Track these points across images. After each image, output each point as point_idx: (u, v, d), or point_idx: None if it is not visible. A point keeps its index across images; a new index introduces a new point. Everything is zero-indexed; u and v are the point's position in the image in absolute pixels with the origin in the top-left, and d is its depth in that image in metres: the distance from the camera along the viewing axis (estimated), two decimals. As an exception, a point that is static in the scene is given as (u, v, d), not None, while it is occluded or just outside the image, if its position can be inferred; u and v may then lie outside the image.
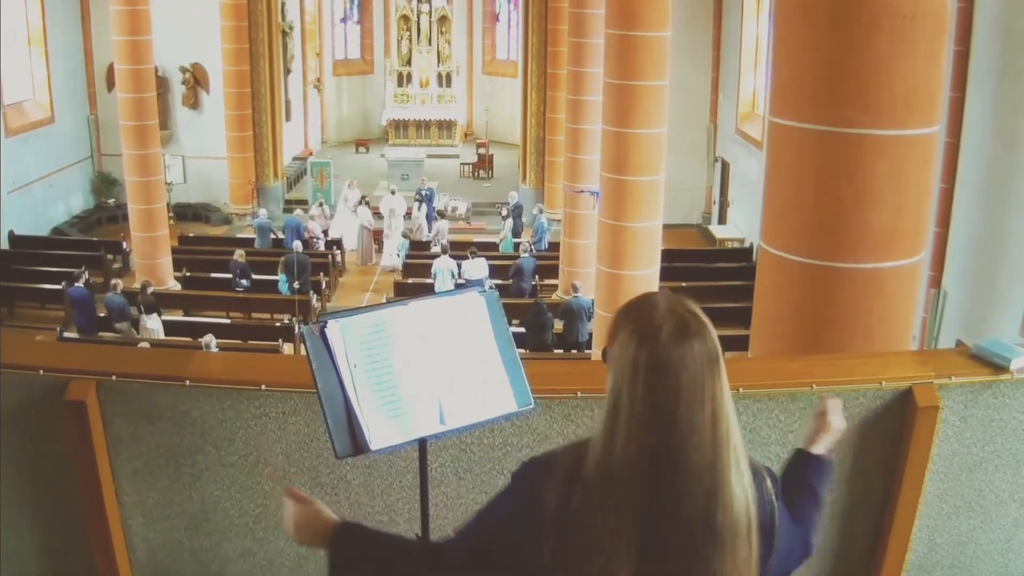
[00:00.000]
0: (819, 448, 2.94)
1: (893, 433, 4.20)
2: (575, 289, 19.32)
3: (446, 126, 38.20)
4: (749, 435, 4.09)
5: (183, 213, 30.23)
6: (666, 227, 17.15)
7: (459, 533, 2.62)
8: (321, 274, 23.17)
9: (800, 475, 2.89)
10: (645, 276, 15.74)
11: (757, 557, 2.32)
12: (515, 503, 2.45)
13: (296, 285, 20.77)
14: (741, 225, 27.50)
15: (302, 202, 30.14)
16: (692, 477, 2.20)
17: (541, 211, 27.10)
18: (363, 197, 27.49)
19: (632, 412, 2.22)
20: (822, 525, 4.20)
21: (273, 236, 26.00)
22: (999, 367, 4.20)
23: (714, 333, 2.29)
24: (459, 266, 22.02)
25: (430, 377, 2.93)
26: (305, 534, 2.73)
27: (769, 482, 2.50)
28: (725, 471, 2.23)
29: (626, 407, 2.23)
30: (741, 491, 2.27)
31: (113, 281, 20.14)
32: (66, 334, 18.80)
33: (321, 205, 28.16)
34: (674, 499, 2.21)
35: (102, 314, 19.64)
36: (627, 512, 2.21)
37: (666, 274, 18.06)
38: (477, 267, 21.86)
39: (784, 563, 2.60)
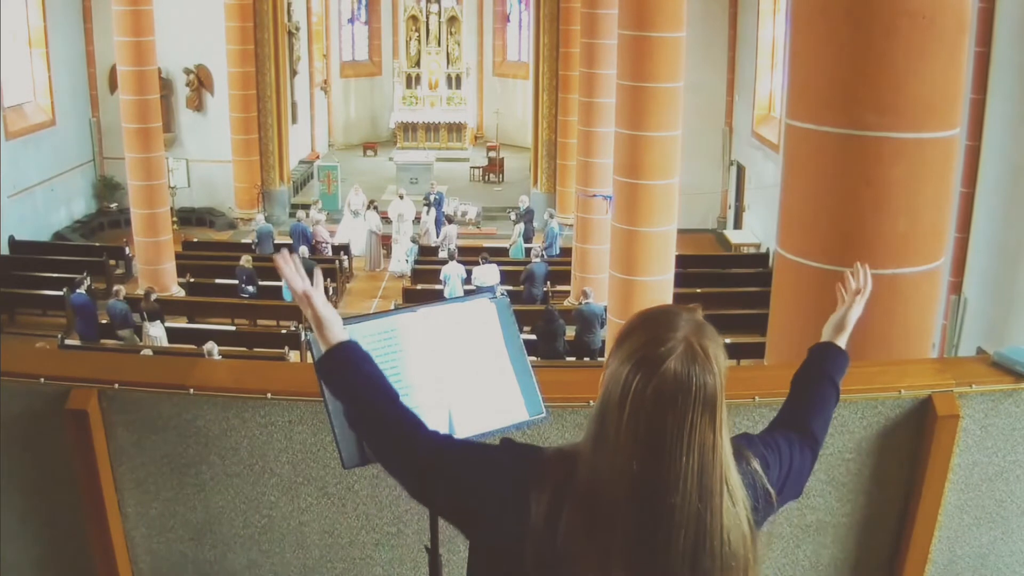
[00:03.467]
0: (844, 337, 3.12)
1: (912, 443, 4.15)
2: (586, 296, 19.28)
3: (456, 129, 38.14)
4: (766, 444, 4.03)
5: (187, 218, 30.20)
6: (680, 232, 17.09)
7: (439, 440, 2.53)
8: (328, 280, 22.93)
9: (824, 367, 3.01)
10: (659, 282, 15.68)
11: None
12: (499, 479, 2.37)
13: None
14: (757, 230, 27.40)
15: (308, 207, 30.01)
16: (676, 521, 2.13)
17: (552, 216, 27.06)
18: (372, 202, 27.44)
19: (617, 437, 2.15)
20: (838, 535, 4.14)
21: (275, 243, 25.95)
22: (1020, 375, 4.16)
23: (720, 377, 2.16)
24: (469, 272, 21.96)
25: (440, 385, 2.92)
26: (314, 323, 2.67)
27: (756, 463, 2.46)
28: (715, 520, 2.16)
29: (613, 429, 2.16)
30: (737, 531, 2.21)
31: (115, 287, 20.10)
32: (67, 341, 18.73)
33: (321, 208, 28.11)
34: (658, 539, 2.14)
35: (104, 321, 19.61)
36: (615, 539, 2.15)
37: (681, 280, 17.97)
38: (488, 273, 21.81)
39: (795, 486, 2.72)
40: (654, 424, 2.10)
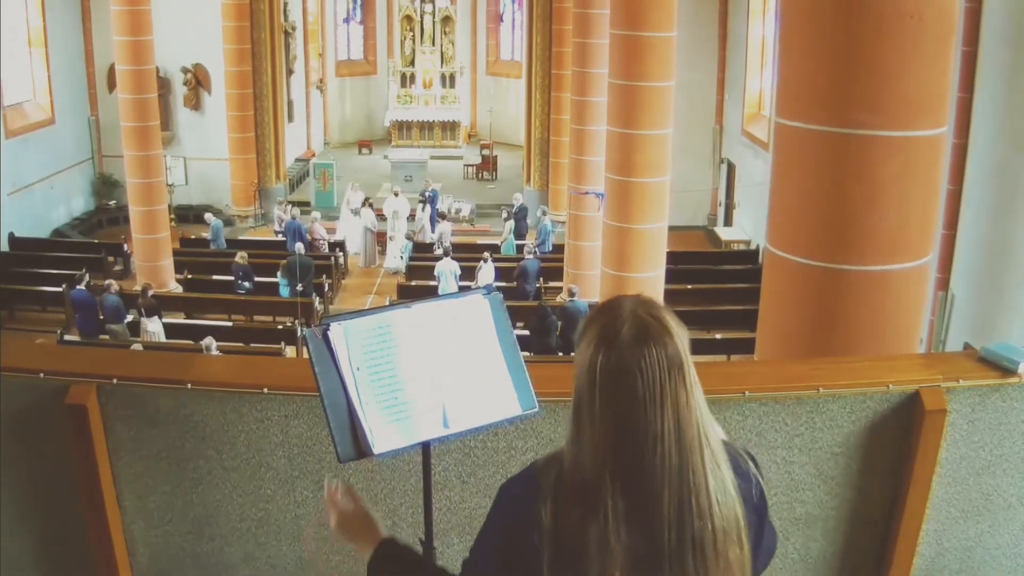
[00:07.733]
0: None
1: (900, 437, 4.15)
2: (571, 293, 19.34)
3: (450, 127, 38.20)
4: (755, 439, 4.06)
5: (185, 215, 30.20)
6: (671, 229, 17.15)
7: (468, 563, 2.59)
8: (324, 276, 23.16)
9: None
10: (650, 279, 15.73)
11: (750, 553, 2.29)
12: (501, 527, 2.44)
13: (299, 288, 20.76)
14: (747, 227, 27.47)
15: (304, 204, 30.11)
16: (659, 485, 2.16)
17: (545, 213, 27.14)
18: (367, 199, 27.49)
19: (593, 417, 2.20)
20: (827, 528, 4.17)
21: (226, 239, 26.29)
22: (1007, 370, 4.16)
23: (680, 340, 2.22)
24: (463, 269, 22.03)
25: (434, 380, 2.91)
26: (349, 533, 2.78)
27: (753, 465, 2.46)
28: (698, 478, 2.19)
29: (587, 412, 2.21)
30: (724, 496, 2.23)
31: (107, 281, 20.07)
32: (67, 337, 18.75)
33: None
34: (645, 506, 2.17)
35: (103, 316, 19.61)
36: (607, 519, 2.18)
37: (672, 277, 18.03)
38: (485, 273, 21.94)
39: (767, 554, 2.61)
40: (626, 392, 2.16)
